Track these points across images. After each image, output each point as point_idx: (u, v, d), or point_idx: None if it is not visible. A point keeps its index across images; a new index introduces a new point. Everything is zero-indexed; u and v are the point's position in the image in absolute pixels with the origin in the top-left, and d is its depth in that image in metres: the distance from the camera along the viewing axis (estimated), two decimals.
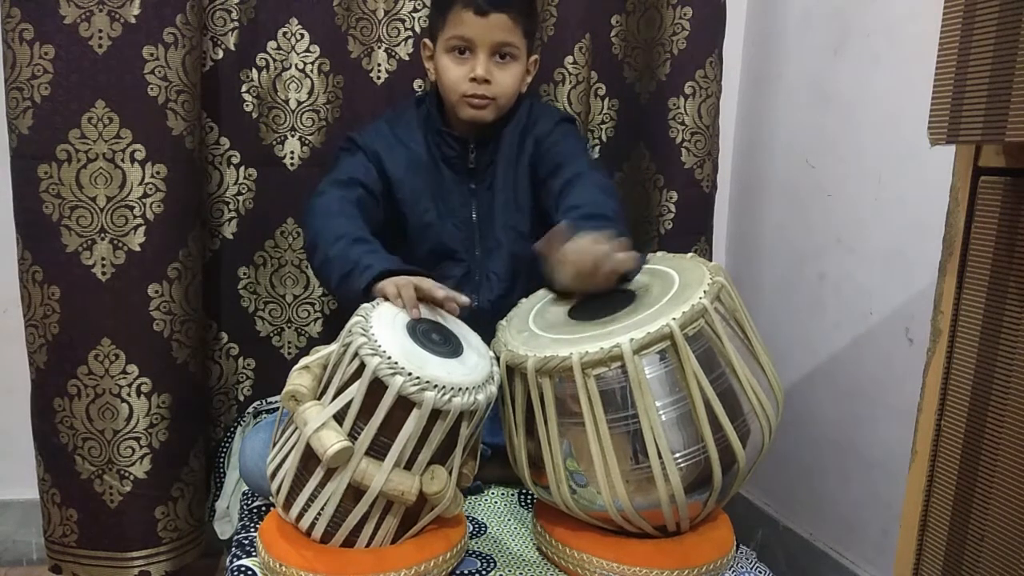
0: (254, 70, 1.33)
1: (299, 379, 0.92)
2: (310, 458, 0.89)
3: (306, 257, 1.34)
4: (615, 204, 1.12)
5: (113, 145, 1.19)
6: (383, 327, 0.90)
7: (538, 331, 1.00)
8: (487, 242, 1.26)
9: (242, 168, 1.36)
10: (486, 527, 1.07)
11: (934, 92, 0.69)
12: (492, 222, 1.25)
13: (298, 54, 1.33)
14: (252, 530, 1.02)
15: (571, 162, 1.19)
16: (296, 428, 0.91)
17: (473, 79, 1.17)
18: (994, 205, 0.68)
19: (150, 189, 1.22)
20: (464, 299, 0.99)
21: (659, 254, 1.10)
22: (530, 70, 1.25)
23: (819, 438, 1.39)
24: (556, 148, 1.23)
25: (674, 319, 0.88)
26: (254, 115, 1.34)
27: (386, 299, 0.97)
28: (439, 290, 0.97)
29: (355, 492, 0.88)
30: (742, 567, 1.01)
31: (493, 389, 0.92)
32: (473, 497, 1.13)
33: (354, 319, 0.92)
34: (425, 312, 0.97)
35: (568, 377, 0.90)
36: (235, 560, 0.96)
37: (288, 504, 0.93)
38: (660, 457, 0.88)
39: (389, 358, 0.86)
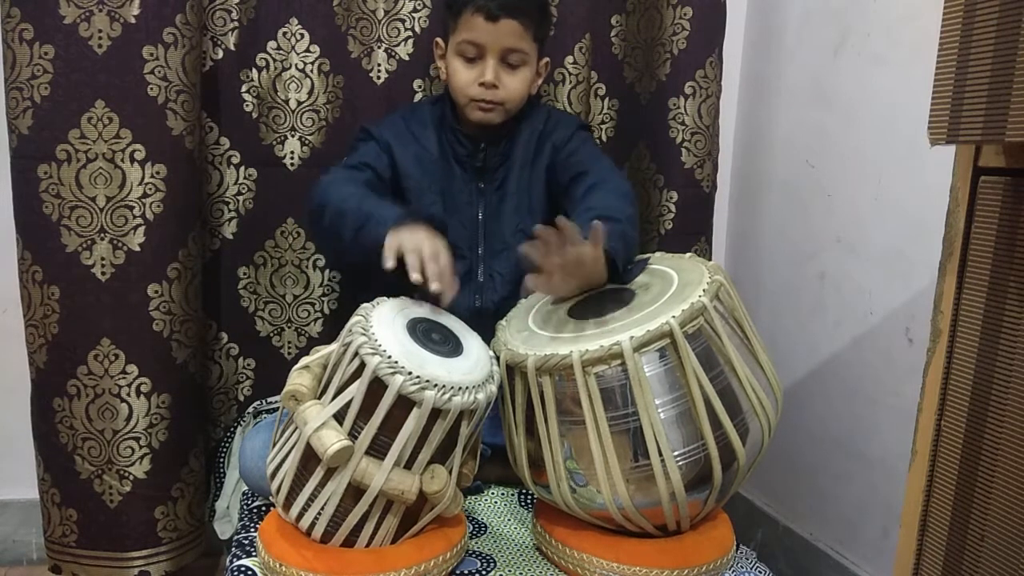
0: (254, 70, 1.33)
1: (299, 379, 0.92)
2: (310, 458, 0.89)
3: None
4: (630, 209, 1.13)
5: (113, 145, 1.19)
6: (383, 326, 0.90)
7: (538, 330, 1.00)
8: (492, 243, 1.26)
9: (242, 168, 1.36)
10: (486, 527, 1.07)
11: (934, 92, 0.70)
12: (500, 223, 1.26)
13: (298, 54, 1.33)
14: (252, 530, 1.02)
15: (593, 169, 1.21)
16: (296, 428, 0.91)
17: (482, 84, 1.19)
18: (994, 205, 0.68)
19: (150, 189, 1.22)
20: (447, 300, 0.99)
21: (658, 254, 1.10)
22: (540, 72, 1.27)
23: (819, 438, 1.39)
24: (576, 156, 1.25)
25: (674, 317, 0.88)
26: (254, 115, 1.34)
27: (394, 271, 0.96)
28: (434, 281, 0.95)
29: (355, 491, 0.88)
30: (742, 567, 1.01)
31: (493, 388, 0.92)
32: (473, 497, 1.13)
33: (354, 318, 0.92)
34: (426, 311, 0.98)
35: (568, 375, 0.90)
36: (235, 560, 0.96)
37: (288, 504, 0.93)
38: (660, 455, 0.88)
39: (389, 357, 0.86)
